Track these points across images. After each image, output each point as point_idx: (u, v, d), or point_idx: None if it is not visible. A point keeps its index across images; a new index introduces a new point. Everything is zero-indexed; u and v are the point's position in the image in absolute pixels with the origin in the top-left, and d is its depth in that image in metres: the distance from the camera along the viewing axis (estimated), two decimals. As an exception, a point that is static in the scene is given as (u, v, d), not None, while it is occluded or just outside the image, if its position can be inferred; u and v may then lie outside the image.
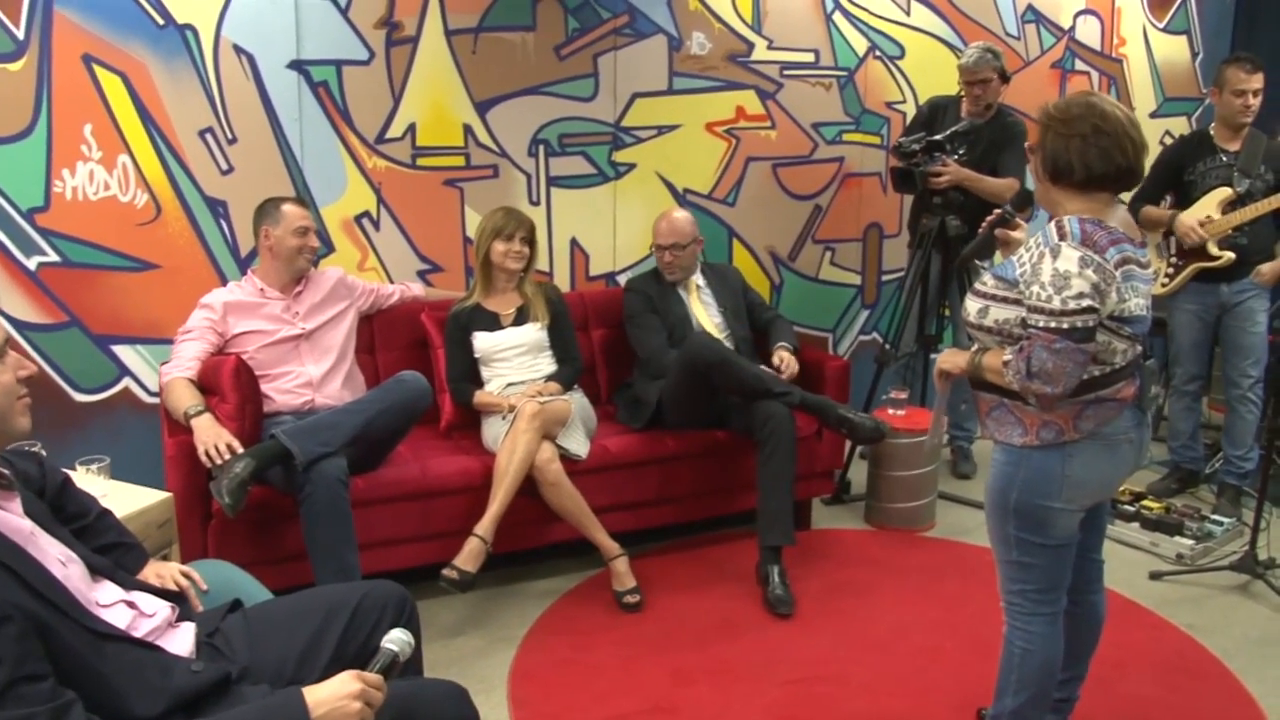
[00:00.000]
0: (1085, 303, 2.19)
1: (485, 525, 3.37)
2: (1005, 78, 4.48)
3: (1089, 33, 5.53)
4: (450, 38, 4.19)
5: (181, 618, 2.04)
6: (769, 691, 3.08)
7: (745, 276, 4.42)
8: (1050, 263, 2.22)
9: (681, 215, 4.14)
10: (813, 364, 4.13)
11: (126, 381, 3.95)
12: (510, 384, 3.80)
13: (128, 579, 2.03)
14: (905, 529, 4.22)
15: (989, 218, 2.59)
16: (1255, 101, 4.16)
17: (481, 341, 3.81)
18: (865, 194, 5.16)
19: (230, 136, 3.94)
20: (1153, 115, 5.80)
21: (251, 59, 3.92)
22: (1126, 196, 4.24)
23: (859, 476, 4.49)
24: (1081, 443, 2.34)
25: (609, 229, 4.64)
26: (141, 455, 3.67)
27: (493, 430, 3.67)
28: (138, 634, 1.88)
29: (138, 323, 3.91)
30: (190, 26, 3.83)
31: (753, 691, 3.08)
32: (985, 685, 3.06)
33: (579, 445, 3.66)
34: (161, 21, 3.79)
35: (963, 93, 4.53)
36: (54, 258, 3.76)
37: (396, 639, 1.86)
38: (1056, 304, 2.20)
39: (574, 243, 4.59)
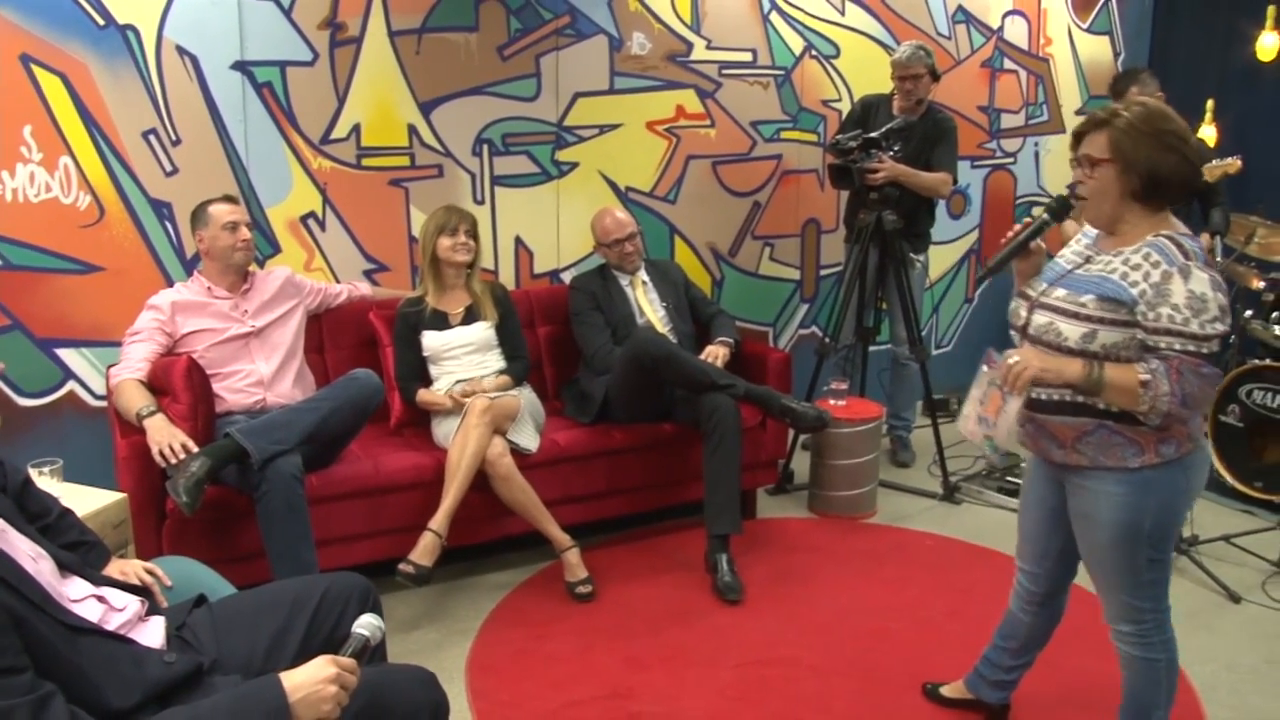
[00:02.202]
0: (1220, 327, 2.13)
1: (439, 520, 3.42)
2: (935, 75, 4.62)
3: (1017, 33, 5.70)
4: (394, 38, 4.21)
5: (150, 612, 2.07)
6: (721, 675, 3.17)
7: (687, 273, 4.51)
8: (1181, 284, 2.13)
9: (620, 209, 4.25)
10: (755, 357, 4.23)
11: (71, 385, 3.92)
12: (459, 381, 3.84)
13: (95, 575, 2.05)
14: (847, 516, 4.34)
15: (1025, 223, 2.43)
16: None
17: (430, 340, 3.85)
18: (803, 190, 5.27)
19: (174, 138, 3.93)
20: (1078, 112, 5.98)
21: (195, 60, 3.92)
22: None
23: (801, 466, 4.60)
24: (1194, 454, 2.31)
25: (553, 227, 4.69)
26: (89, 458, 3.64)
27: (443, 427, 3.72)
28: (110, 628, 1.91)
29: (82, 325, 3.89)
30: (131, 27, 3.81)
31: (706, 675, 3.16)
32: (930, 662, 3.21)
33: (529, 439, 3.72)
34: (102, 22, 3.77)
35: (895, 89, 4.66)
36: (-6, 260, 3.74)
37: (367, 624, 1.91)
38: (1196, 327, 2.12)
39: (518, 241, 4.64)
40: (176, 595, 2.29)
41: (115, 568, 2.26)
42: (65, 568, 1.97)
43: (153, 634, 2.00)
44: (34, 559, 1.86)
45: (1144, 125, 2.20)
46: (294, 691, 1.72)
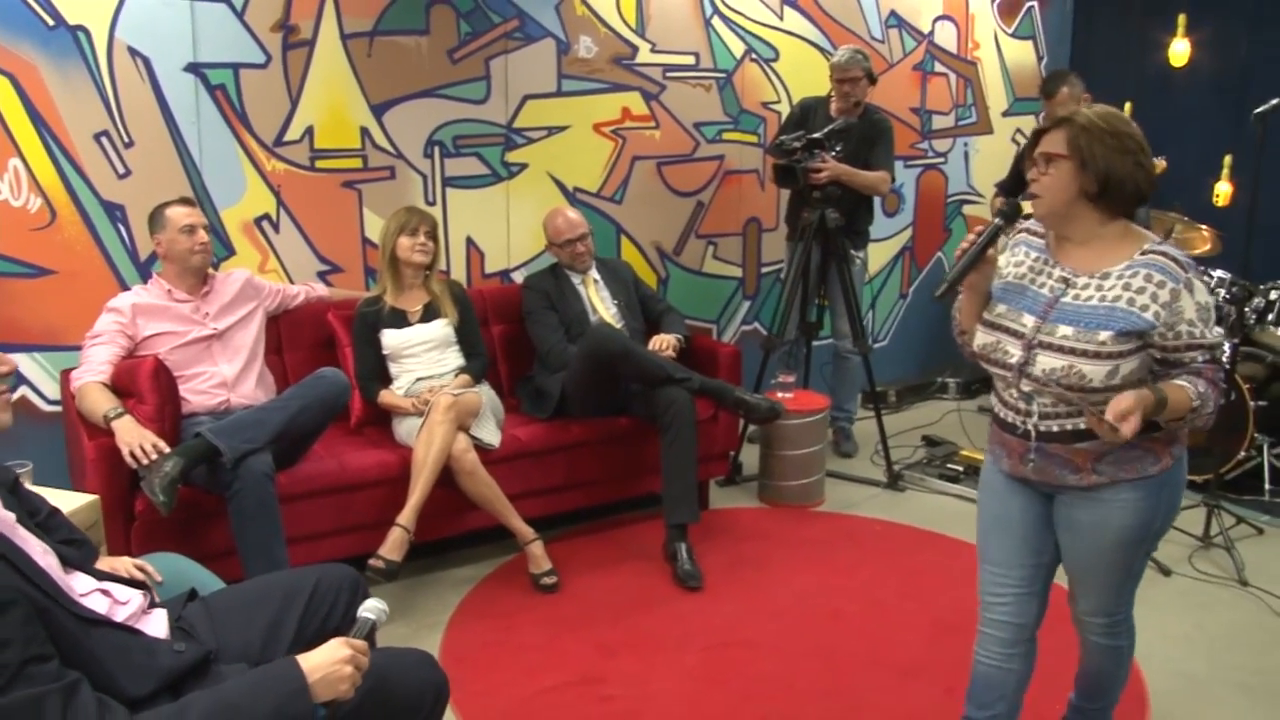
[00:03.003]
0: (1220, 329, 2.20)
1: (407, 515, 3.48)
2: (872, 79, 4.79)
3: (946, 37, 5.91)
4: (346, 41, 4.25)
5: (152, 605, 2.11)
6: (687, 658, 3.28)
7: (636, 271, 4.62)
8: (1190, 298, 2.15)
9: (571, 209, 4.36)
10: (706, 351, 4.35)
11: (23, 390, 3.89)
12: (419, 379, 3.90)
13: (96, 570, 2.09)
14: (797, 505, 4.48)
15: (980, 229, 2.32)
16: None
17: (390, 338, 3.90)
18: (744, 190, 5.41)
19: (127, 140, 3.93)
20: (1004, 114, 6.24)
21: (147, 61, 3.91)
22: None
23: (750, 458, 4.74)
24: (1184, 441, 2.36)
25: (503, 227, 4.76)
26: (43, 463, 3.60)
27: (405, 425, 3.77)
28: (118, 620, 1.95)
29: (34, 329, 3.86)
30: (82, 28, 3.79)
31: (672, 659, 3.27)
32: (886, 640, 3.36)
33: (491, 435, 3.79)
34: (52, 22, 3.75)
35: (833, 91, 4.82)
36: (-58, 264, 3.70)
37: (373, 607, 1.98)
38: (1212, 337, 2.17)
39: (469, 241, 4.70)
40: (166, 591, 2.32)
41: (105, 564, 2.28)
42: (68, 563, 2.00)
43: (157, 626, 2.05)
44: (43, 554, 1.89)
45: (1104, 125, 2.19)
46: (312, 672, 1.79)
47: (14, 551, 1.75)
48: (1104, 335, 2.16)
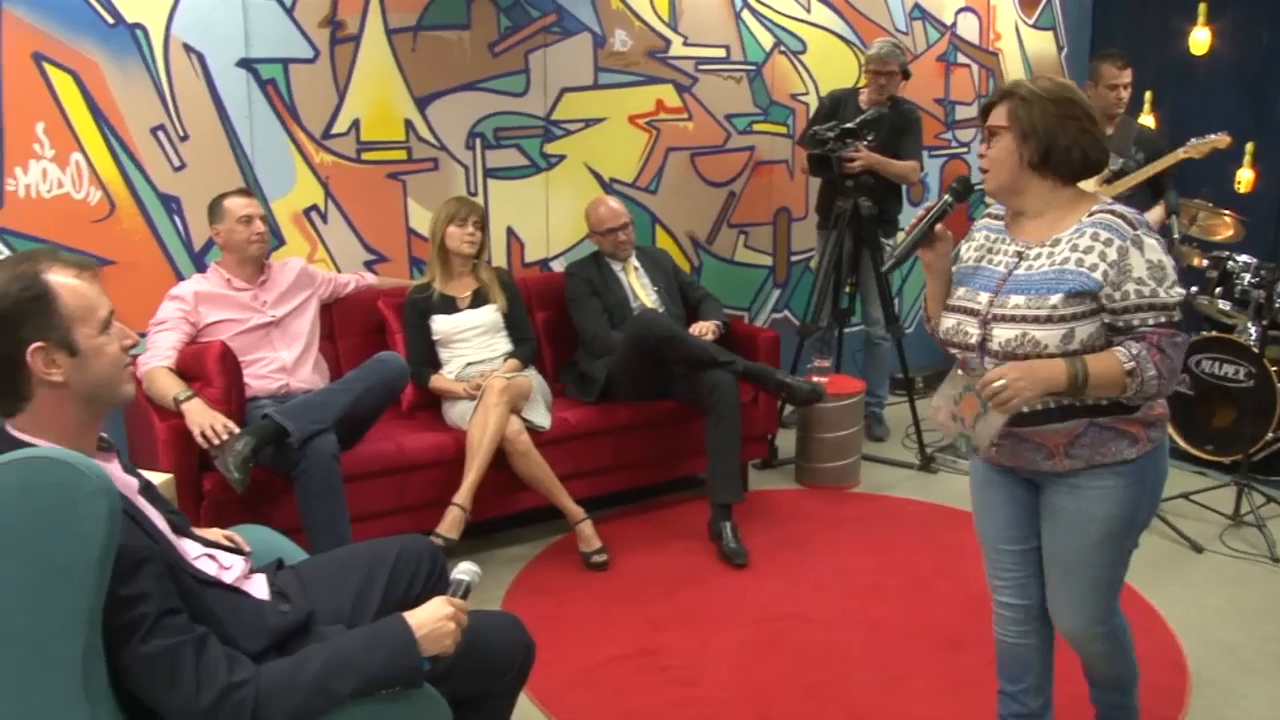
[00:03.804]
0: (1181, 291, 2.10)
1: (464, 494, 3.59)
2: (907, 74, 4.90)
3: (969, 28, 6.01)
4: (391, 36, 4.36)
5: (252, 570, 2.23)
6: (738, 630, 3.39)
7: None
8: (1139, 255, 2.07)
9: (614, 199, 4.46)
10: (745, 336, 4.45)
11: (84, 376, 3.99)
12: (470, 363, 4.01)
13: (200, 536, 2.20)
14: (834, 487, 4.59)
15: (929, 206, 2.30)
16: (1126, 94, 4.64)
17: (440, 324, 4.01)
18: (775, 180, 5.52)
19: (182, 133, 4.04)
20: (1026, 104, 6.32)
21: (201, 57, 4.02)
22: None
23: (784, 443, 4.84)
24: (1164, 429, 2.26)
25: (542, 217, 4.87)
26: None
27: (457, 409, 3.88)
28: (227, 582, 2.06)
29: (95, 318, 3.96)
30: (140, 25, 3.91)
31: (723, 631, 3.38)
32: (927, 613, 3.47)
33: (542, 417, 3.90)
34: (112, 20, 3.86)
35: (866, 82, 4.92)
36: (7, 255, 3.80)
37: (467, 569, 2.08)
38: (1164, 295, 2.07)
39: (510, 231, 4.80)
40: (254, 561, 2.44)
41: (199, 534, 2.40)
42: (176, 530, 2.12)
43: (259, 589, 2.16)
44: (159, 519, 2.00)
45: (1044, 94, 2.14)
46: (419, 628, 1.89)
47: (140, 515, 1.86)
48: (1054, 299, 2.11)
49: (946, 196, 2.30)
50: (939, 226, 2.28)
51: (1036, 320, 2.12)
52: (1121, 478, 2.19)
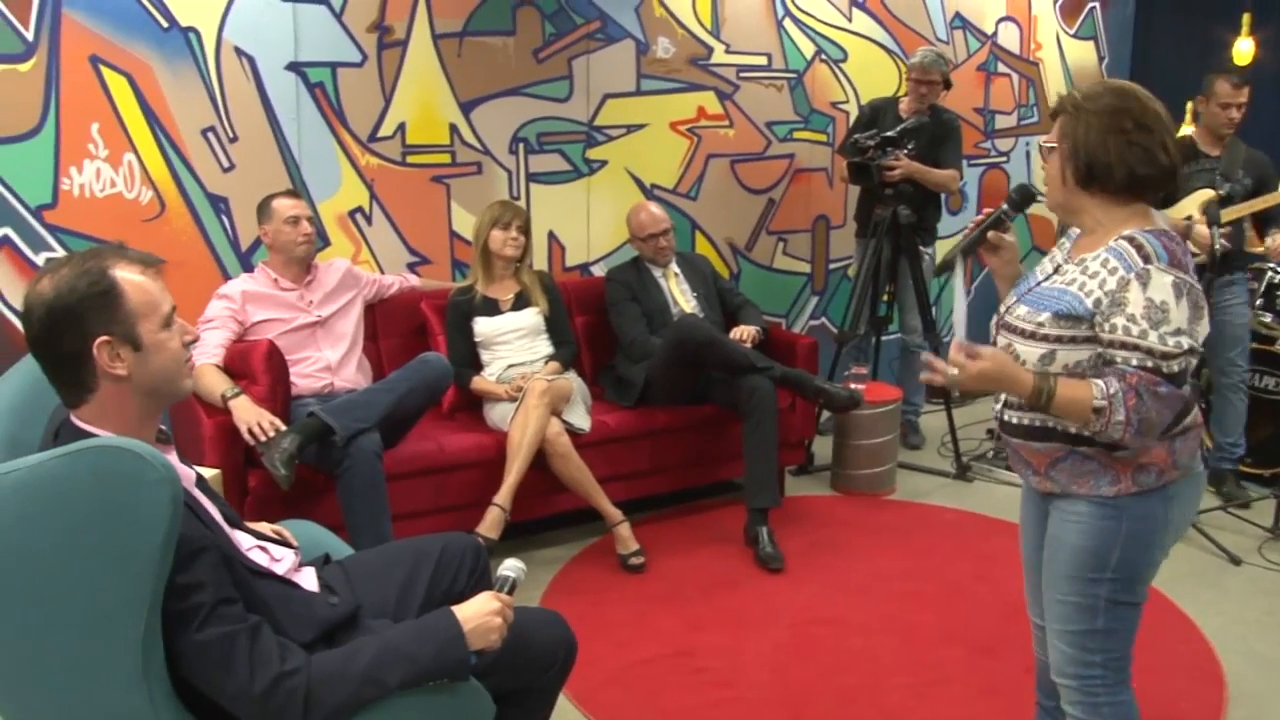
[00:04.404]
0: (1186, 343, 1.91)
1: (504, 495, 3.64)
2: (948, 84, 4.90)
3: (1009, 38, 6.01)
4: (437, 41, 4.42)
5: (301, 564, 2.27)
6: (775, 633, 3.41)
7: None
8: (1139, 291, 1.92)
9: (655, 204, 4.51)
10: (784, 343, 4.48)
11: (133, 372, 4.07)
12: (511, 365, 4.06)
13: (252, 529, 2.25)
14: (869, 494, 4.60)
15: (979, 217, 2.28)
16: (1239, 115, 4.35)
17: (483, 326, 4.06)
18: (814, 188, 5.54)
19: (232, 135, 4.11)
20: (1067, 114, 6.31)
21: (252, 61, 4.10)
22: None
23: (821, 449, 4.86)
24: (1179, 482, 2.07)
25: (583, 222, 4.92)
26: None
27: (498, 410, 3.93)
28: (279, 573, 2.11)
29: (144, 315, 4.04)
30: (193, 29, 3.99)
31: (760, 634, 3.40)
32: (963, 620, 3.49)
33: (582, 420, 3.94)
34: (166, 24, 3.94)
35: (906, 91, 4.93)
36: (61, 254, 3.88)
37: (513, 566, 2.13)
38: (1154, 341, 1.91)
39: (551, 235, 4.85)
40: (302, 554, 2.49)
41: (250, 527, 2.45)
42: (229, 522, 2.17)
43: (309, 581, 2.21)
44: (215, 510, 2.05)
45: (1092, 105, 2.01)
46: (467, 622, 1.93)
47: (198, 505, 1.91)
48: (1043, 317, 2.03)
49: (1004, 205, 2.26)
50: (993, 234, 2.24)
51: (1022, 334, 2.06)
52: (1094, 507, 2.07)
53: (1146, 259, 1.93)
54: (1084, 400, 1.94)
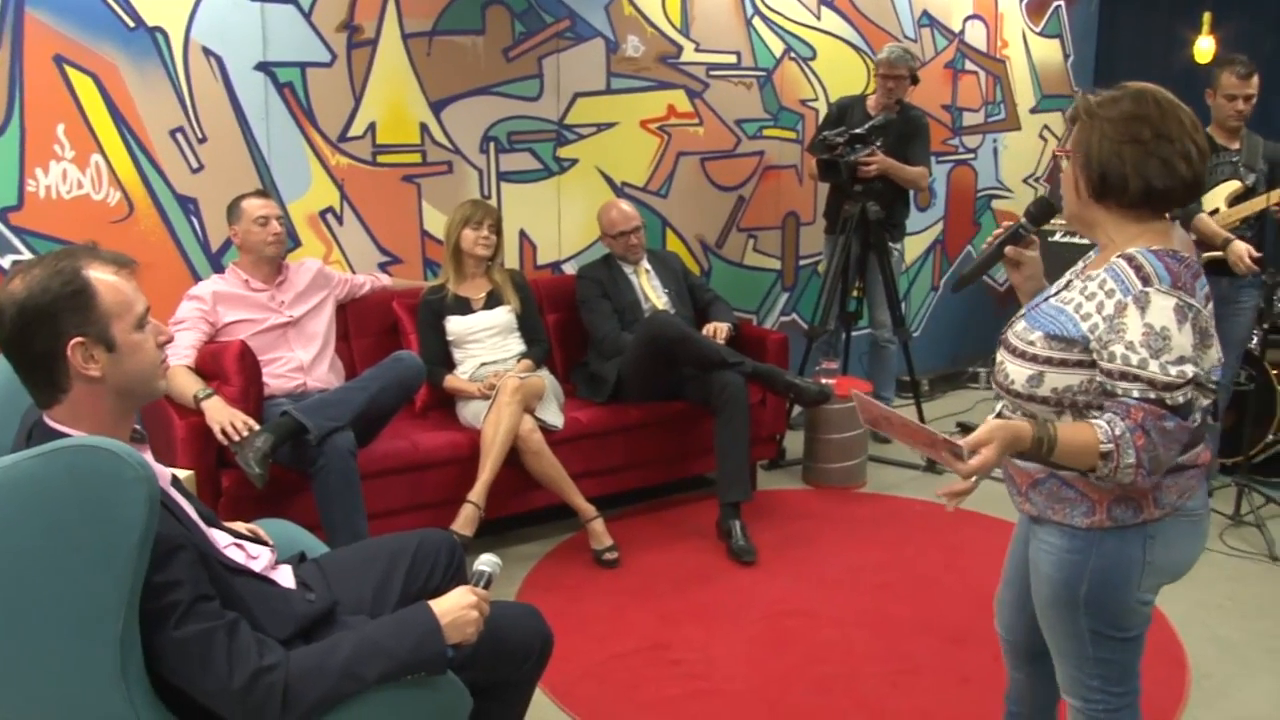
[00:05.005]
0: (1190, 372, 1.76)
1: (478, 492, 3.65)
2: (915, 79, 4.96)
3: (976, 36, 6.08)
4: (407, 40, 4.42)
5: (277, 561, 2.28)
6: (749, 626, 3.44)
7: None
8: (1138, 316, 1.78)
9: (625, 202, 4.53)
10: (755, 339, 4.52)
11: (103, 374, 4.05)
12: (483, 364, 4.07)
13: (228, 527, 2.25)
14: (841, 487, 4.65)
15: (998, 231, 2.16)
16: (1247, 107, 4.28)
17: (455, 325, 4.08)
18: (783, 185, 5.58)
19: (200, 136, 4.09)
20: (1032, 111, 6.40)
21: (220, 60, 4.08)
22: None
23: (792, 444, 4.90)
24: (1162, 521, 1.91)
25: (554, 221, 4.93)
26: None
27: (470, 408, 3.94)
28: (256, 570, 2.12)
29: (114, 317, 4.02)
30: (160, 29, 3.96)
31: (734, 627, 3.44)
32: (934, 610, 3.53)
33: (555, 416, 3.96)
34: (132, 24, 3.91)
35: (875, 86, 4.98)
36: (28, 256, 3.86)
37: (489, 561, 2.14)
38: (1155, 371, 1.76)
39: (522, 234, 4.86)
40: (278, 552, 2.49)
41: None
42: (205, 520, 2.17)
43: (285, 579, 2.22)
44: (190, 509, 2.06)
45: (1107, 111, 1.88)
46: (443, 616, 1.95)
47: (174, 504, 1.91)
48: (1035, 336, 1.91)
49: (1022, 219, 2.14)
50: (1012, 249, 2.12)
51: (1014, 351, 1.95)
52: (1066, 539, 1.96)
53: (1145, 280, 1.79)
54: (1089, 445, 1.79)
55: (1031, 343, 1.91)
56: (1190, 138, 1.85)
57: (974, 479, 1.86)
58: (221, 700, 1.76)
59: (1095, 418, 1.84)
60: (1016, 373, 1.93)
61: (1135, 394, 1.78)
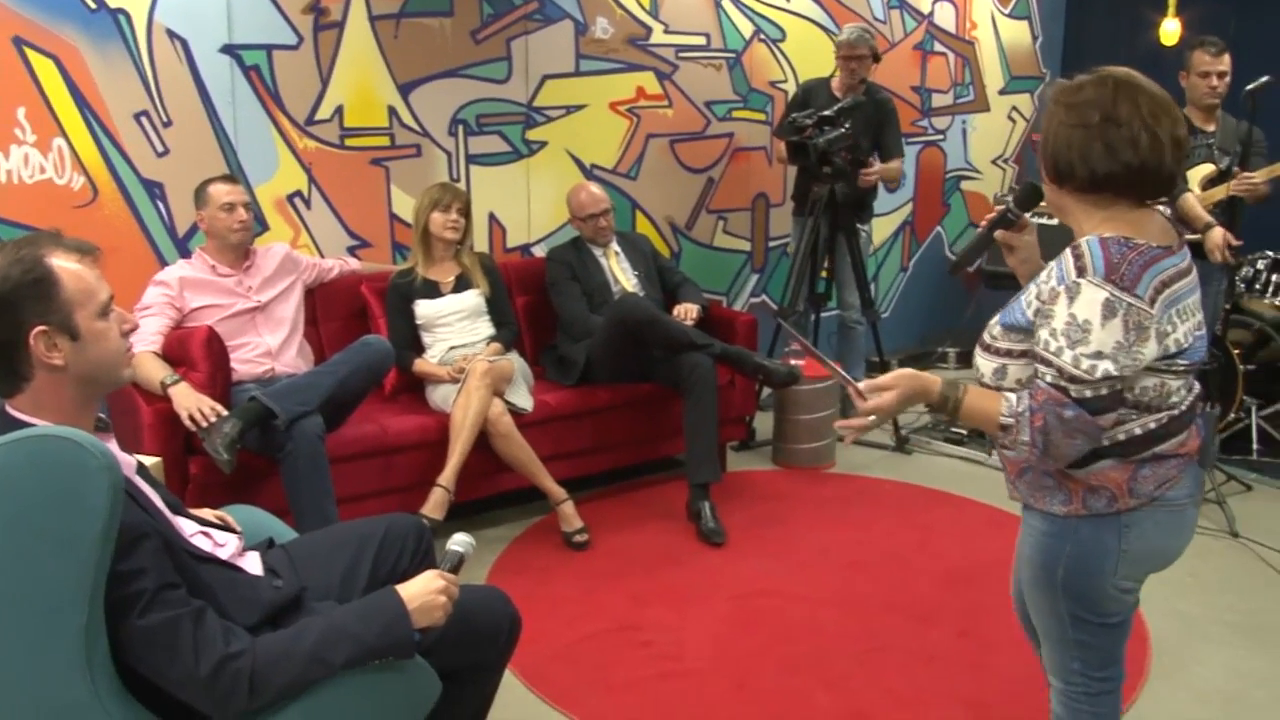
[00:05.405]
0: (1101, 366, 1.76)
1: (447, 476, 3.66)
2: (877, 57, 4.98)
3: (945, 17, 6.10)
4: (374, 23, 4.40)
5: (245, 548, 2.28)
6: (719, 606, 3.47)
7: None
8: (1065, 305, 1.78)
9: (594, 185, 4.53)
10: (724, 320, 4.53)
11: (69, 360, 4.03)
12: (453, 347, 4.07)
13: (194, 515, 2.25)
14: (810, 467, 4.68)
15: (989, 216, 2.17)
16: (1222, 84, 4.30)
17: (424, 309, 4.07)
18: (753, 167, 5.59)
19: (165, 119, 4.06)
20: (1001, 92, 6.43)
21: (184, 43, 4.05)
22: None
23: (762, 425, 4.94)
24: (1139, 511, 1.92)
25: (524, 203, 4.93)
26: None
27: (440, 391, 3.94)
28: (222, 558, 2.12)
29: (79, 302, 3.99)
30: (123, 11, 3.92)
31: (705, 608, 3.46)
32: (903, 589, 3.57)
33: (524, 399, 3.97)
34: (93, 5, 3.87)
35: (838, 68, 5.00)
36: (-8, 241, 3.82)
37: (461, 541, 2.15)
38: (1067, 360, 1.77)
39: (492, 217, 4.86)
40: (245, 540, 2.49)
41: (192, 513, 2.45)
42: (171, 508, 2.17)
43: (253, 565, 2.22)
44: (155, 497, 2.06)
45: (1066, 96, 1.88)
46: (411, 600, 1.96)
47: (138, 492, 1.91)
48: (997, 329, 1.95)
49: (1009, 201, 2.12)
50: (1002, 234, 2.12)
51: (983, 345, 1.98)
52: (1046, 524, 1.99)
53: (1081, 271, 1.78)
54: (990, 414, 1.87)
55: (995, 336, 1.94)
56: (1143, 122, 1.80)
57: (872, 418, 1.95)
58: (188, 688, 1.76)
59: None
60: (985, 366, 1.97)
61: (1048, 378, 1.81)
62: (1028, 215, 2.13)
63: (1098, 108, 1.82)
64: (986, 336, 1.97)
